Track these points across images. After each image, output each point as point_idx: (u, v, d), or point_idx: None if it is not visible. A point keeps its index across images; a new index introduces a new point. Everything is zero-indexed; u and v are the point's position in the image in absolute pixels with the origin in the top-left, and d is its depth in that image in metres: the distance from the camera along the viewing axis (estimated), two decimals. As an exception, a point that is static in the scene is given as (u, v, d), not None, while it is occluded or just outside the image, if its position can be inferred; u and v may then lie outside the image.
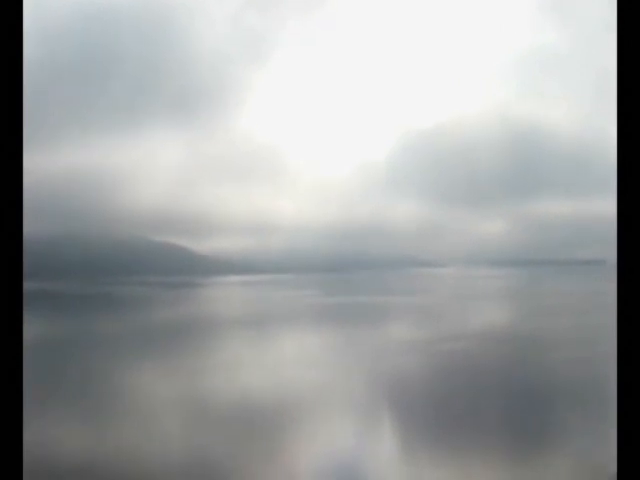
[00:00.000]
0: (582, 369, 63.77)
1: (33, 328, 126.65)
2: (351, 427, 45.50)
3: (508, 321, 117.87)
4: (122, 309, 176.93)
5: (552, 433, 41.04)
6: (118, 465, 36.38)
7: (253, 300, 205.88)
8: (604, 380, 54.87)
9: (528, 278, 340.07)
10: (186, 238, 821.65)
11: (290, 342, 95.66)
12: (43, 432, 44.73)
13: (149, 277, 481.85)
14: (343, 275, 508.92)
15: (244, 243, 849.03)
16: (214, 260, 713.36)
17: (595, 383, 56.07)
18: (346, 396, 55.49)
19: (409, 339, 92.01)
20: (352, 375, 65.88)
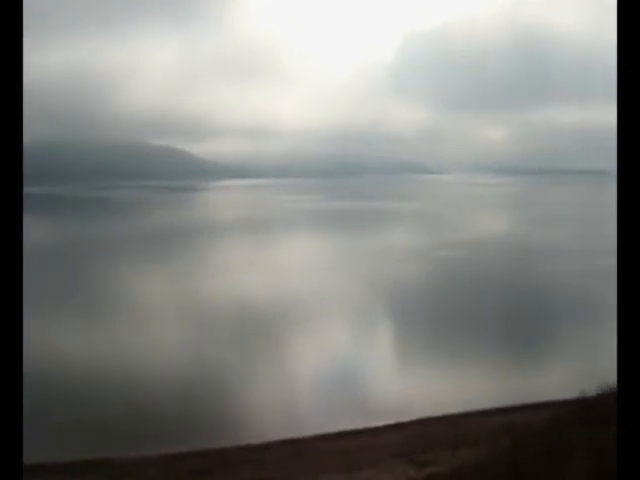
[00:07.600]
0: (577, 278, 64.35)
1: (35, 231, 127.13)
2: (349, 329, 46.27)
3: (506, 230, 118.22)
4: (121, 213, 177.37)
5: (542, 338, 41.71)
6: (115, 363, 37.10)
7: (253, 204, 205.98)
8: (594, 288, 55.56)
9: (529, 187, 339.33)
10: (185, 141, 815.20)
11: (290, 247, 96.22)
12: (46, 331, 45.50)
13: (148, 181, 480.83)
14: (343, 180, 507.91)
15: (243, 146, 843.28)
16: (213, 164, 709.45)
17: (587, 292, 56.69)
18: (344, 300, 56.20)
19: (408, 245, 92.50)
20: (350, 279, 66.53)
